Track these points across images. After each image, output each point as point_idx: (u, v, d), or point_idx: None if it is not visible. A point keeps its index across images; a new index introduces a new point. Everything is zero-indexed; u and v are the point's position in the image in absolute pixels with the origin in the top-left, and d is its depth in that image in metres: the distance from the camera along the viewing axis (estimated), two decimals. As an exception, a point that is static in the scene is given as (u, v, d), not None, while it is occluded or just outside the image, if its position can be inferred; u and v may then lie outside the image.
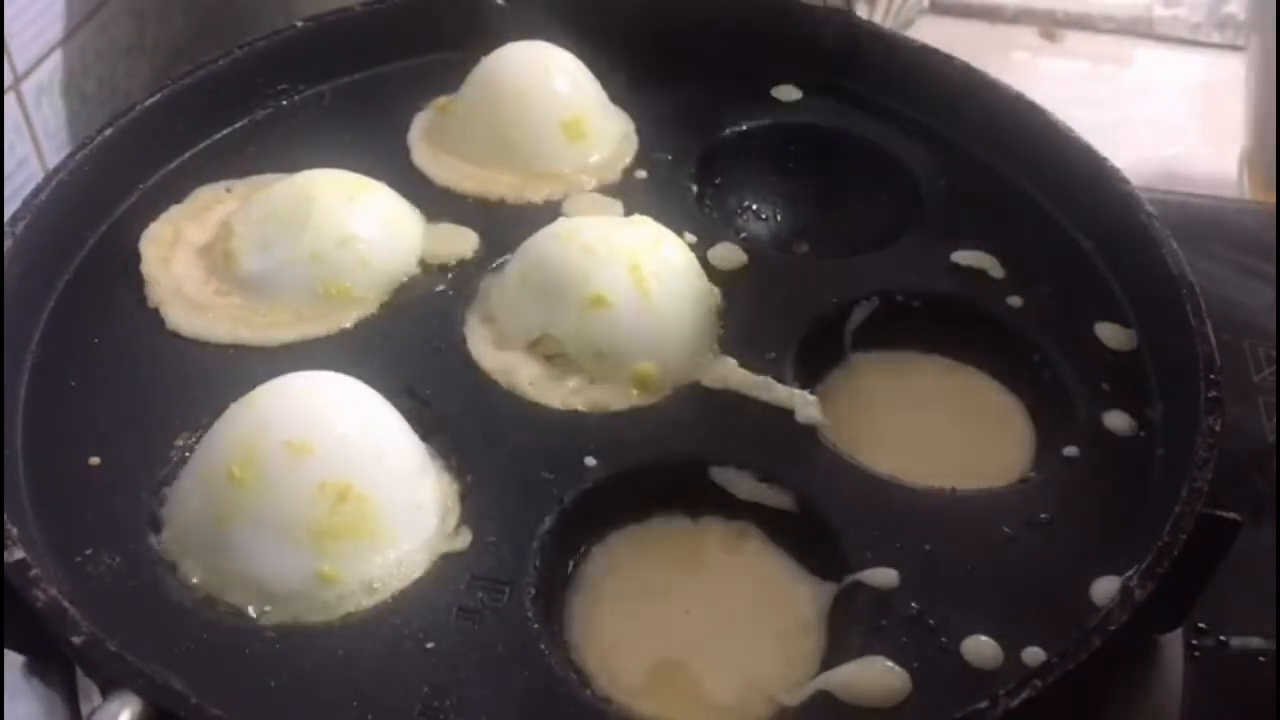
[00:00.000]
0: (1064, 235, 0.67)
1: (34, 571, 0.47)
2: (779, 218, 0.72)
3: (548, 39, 0.71)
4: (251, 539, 0.50)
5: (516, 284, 0.61)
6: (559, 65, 0.71)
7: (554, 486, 0.54)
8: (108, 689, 0.44)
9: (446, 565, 0.52)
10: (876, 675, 0.48)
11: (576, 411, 0.57)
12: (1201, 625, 0.58)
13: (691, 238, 0.64)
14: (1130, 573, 0.48)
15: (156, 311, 0.61)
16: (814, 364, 0.61)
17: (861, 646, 0.49)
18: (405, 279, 0.63)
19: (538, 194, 0.68)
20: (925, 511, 0.54)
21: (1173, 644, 0.57)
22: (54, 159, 0.75)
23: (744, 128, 0.73)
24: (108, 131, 0.65)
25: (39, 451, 0.55)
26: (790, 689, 0.49)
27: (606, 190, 0.69)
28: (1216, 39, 1.18)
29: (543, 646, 0.49)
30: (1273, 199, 0.89)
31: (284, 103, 0.73)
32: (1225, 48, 1.16)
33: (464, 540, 0.52)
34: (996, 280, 0.64)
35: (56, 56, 0.78)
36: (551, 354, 0.59)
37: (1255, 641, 0.58)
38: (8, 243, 0.58)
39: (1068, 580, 0.51)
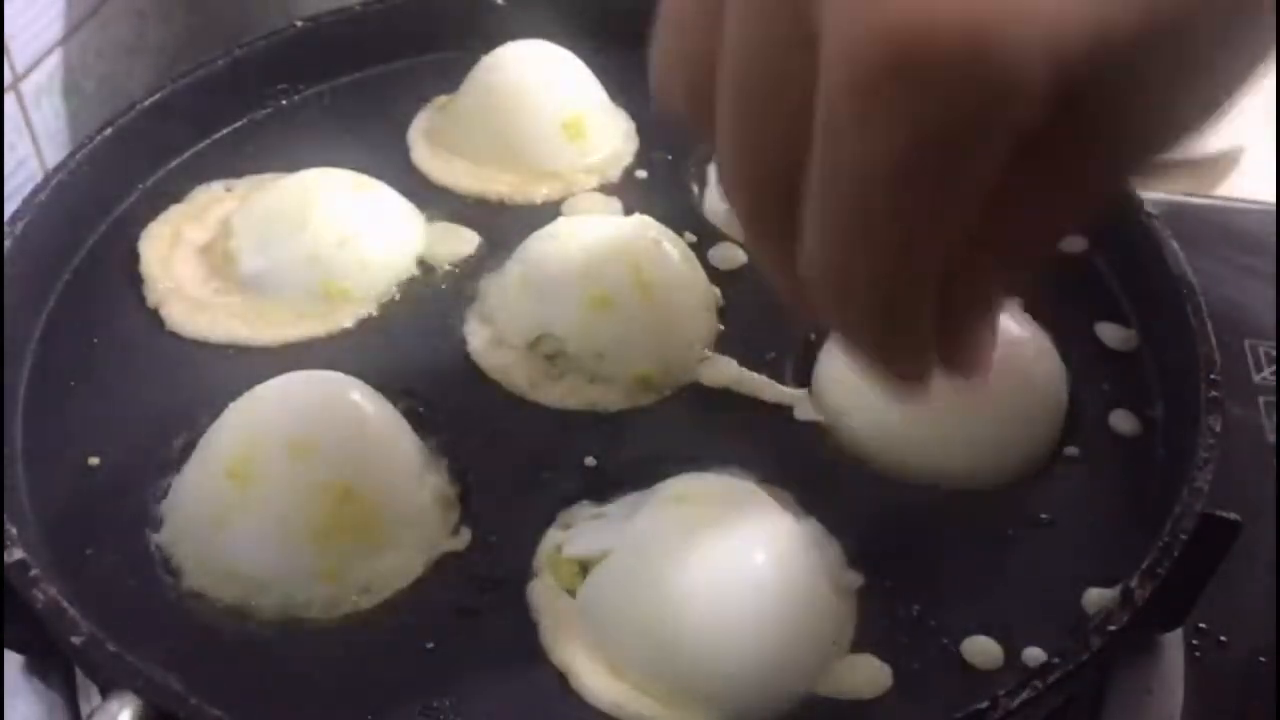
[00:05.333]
0: (1064, 235, 0.66)
1: (34, 571, 0.47)
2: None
3: (548, 38, 0.71)
4: (251, 539, 0.50)
5: (516, 284, 0.61)
6: (559, 65, 0.71)
7: (554, 486, 0.54)
8: (108, 689, 0.44)
9: (446, 565, 0.52)
10: (860, 669, 0.48)
11: (576, 411, 0.57)
12: (1201, 625, 0.58)
13: (691, 238, 0.64)
14: (1132, 576, 0.48)
15: (156, 311, 0.61)
16: (814, 364, 0.61)
17: (861, 646, 0.49)
18: (405, 279, 0.63)
19: (538, 194, 0.68)
20: (925, 511, 0.54)
21: (1173, 644, 0.57)
22: (54, 159, 0.75)
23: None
24: (108, 131, 0.65)
25: (39, 451, 0.55)
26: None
27: (606, 190, 0.69)
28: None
29: (543, 646, 0.49)
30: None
31: (284, 103, 0.73)
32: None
33: (464, 540, 0.53)
34: (996, 280, 0.64)
35: (56, 56, 0.78)
36: (551, 354, 0.59)
37: (1255, 642, 0.58)
38: (8, 243, 0.58)
39: (1068, 580, 0.51)
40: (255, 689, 0.47)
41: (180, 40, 0.91)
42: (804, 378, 0.59)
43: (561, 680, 0.48)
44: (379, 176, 0.66)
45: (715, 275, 0.63)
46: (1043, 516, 0.54)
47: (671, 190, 0.69)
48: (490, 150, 0.69)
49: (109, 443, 0.55)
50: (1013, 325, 0.58)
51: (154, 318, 0.61)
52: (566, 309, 0.58)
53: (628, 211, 0.66)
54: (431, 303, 0.62)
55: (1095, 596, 0.50)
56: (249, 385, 0.53)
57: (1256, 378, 0.70)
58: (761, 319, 0.62)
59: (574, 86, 0.71)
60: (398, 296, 0.63)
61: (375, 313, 0.62)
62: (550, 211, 0.66)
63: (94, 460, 0.55)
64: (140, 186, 0.67)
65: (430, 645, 0.49)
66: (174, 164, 0.69)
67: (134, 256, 0.63)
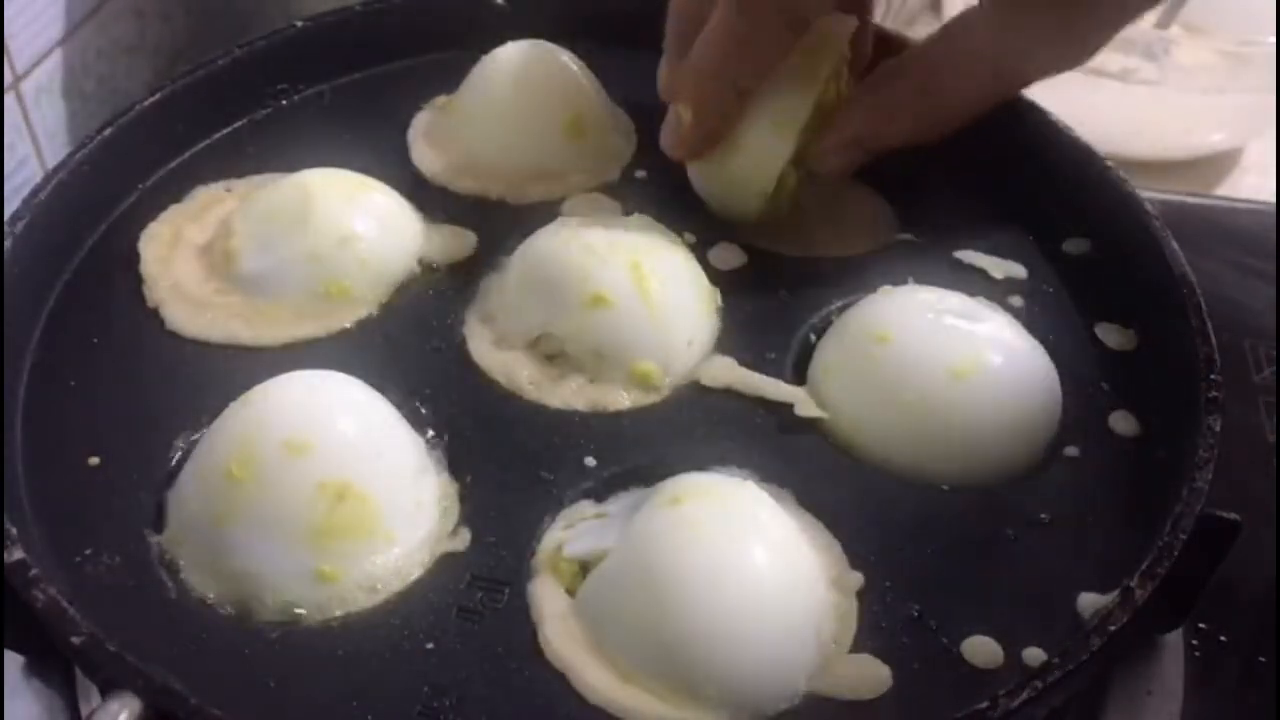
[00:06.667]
0: (1064, 235, 0.67)
1: (34, 571, 0.47)
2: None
3: (548, 38, 0.71)
4: (251, 538, 0.50)
5: (516, 284, 0.61)
6: (559, 65, 0.71)
7: (554, 486, 0.54)
8: (107, 689, 0.44)
9: (446, 565, 0.52)
10: (859, 669, 0.48)
11: (576, 411, 0.57)
12: (1201, 625, 0.58)
13: (691, 238, 0.64)
14: (1132, 576, 0.48)
15: (156, 311, 0.61)
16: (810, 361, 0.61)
17: (861, 646, 0.49)
18: (405, 279, 0.63)
19: (537, 194, 0.68)
20: (925, 511, 0.54)
21: (1173, 644, 0.57)
22: (54, 159, 0.75)
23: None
24: (107, 131, 0.65)
25: (39, 451, 0.55)
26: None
27: (606, 190, 0.69)
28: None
29: (543, 646, 0.49)
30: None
31: (284, 103, 0.73)
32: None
33: (464, 540, 0.53)
34: (996, 280, 0.64)
35: (56, 56, 0.78)
36: (551, 353, 0.59)
37: (1255, 642, 0.58)
38: (8, 243, 0.58)
39: (1067, 580, 0.51)
40: (255, 689, 0.47)
41: (180, 40, 0.91)
42: (804, 377, 0.59)
43: (561, 680, 0.48)
44: (379, 176, 0.66)
45: (715, 275, 0.63)
46: (1042, 517, 0.54)
47: (671, 190, 0.69)
48: (490, 151, 0.69)
49: (109, 443, 0.55)
50: (1008, 329, 0.58)
51: (154, 318, 0.61)
52: (566, 309, 0.58)
53: (628, 211, 0.66)
54: (431, 303, 0.62)
55: (1094, 597, 0.50)
56: (249, 385, 0.53)
57: (1256, 378, 0.70)
58: (761, 319, 0.62)
59: (574, 87, 0.71)
60: (398, 296, 0.63)
61: (375, 313, 0.62)
62: (550, 211, 0.66)
63: (94, 460, 0.55)
64: (140, 186, 0.67)
65: (430, 645, 0.49)
66: (174, 164, 0.69)
67: (134, 256, 0.63)
